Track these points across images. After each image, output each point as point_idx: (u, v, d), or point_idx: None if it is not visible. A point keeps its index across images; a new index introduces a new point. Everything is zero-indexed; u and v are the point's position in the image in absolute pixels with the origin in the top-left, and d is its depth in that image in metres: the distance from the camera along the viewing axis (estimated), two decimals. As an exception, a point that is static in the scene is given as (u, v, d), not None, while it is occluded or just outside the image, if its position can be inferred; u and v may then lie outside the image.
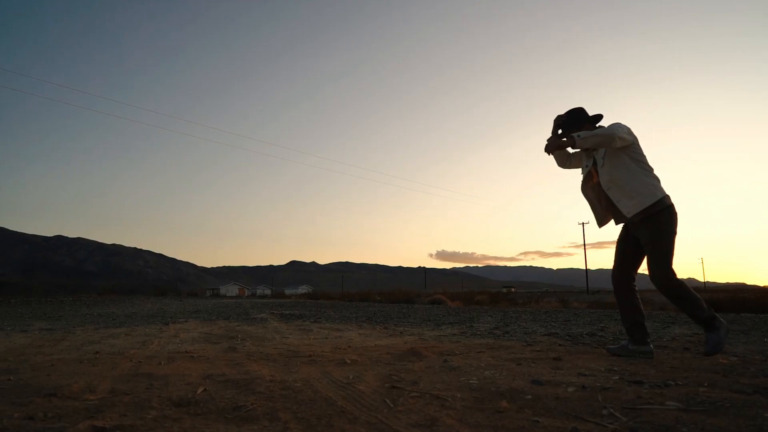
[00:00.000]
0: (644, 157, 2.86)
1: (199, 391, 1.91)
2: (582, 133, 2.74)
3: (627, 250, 2.96)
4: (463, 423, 1.45)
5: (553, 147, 2.93)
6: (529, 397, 1.76)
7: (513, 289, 59.33)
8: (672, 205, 2.82)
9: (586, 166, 3.05)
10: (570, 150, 3.18)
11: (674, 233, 2.80)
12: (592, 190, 3.04)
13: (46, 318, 8.02)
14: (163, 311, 10.70)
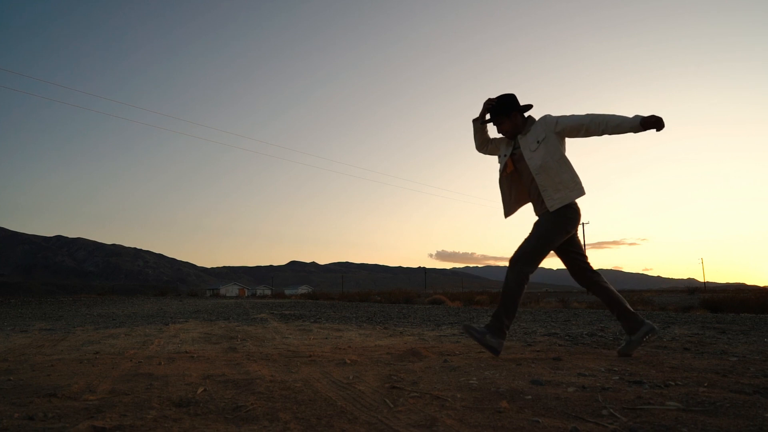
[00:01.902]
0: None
1: (199, 391, 1.91)
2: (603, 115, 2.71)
3: (568, 249, 2.94)
4: (463, 423, 1.45)
5: (494, 100, 2.94)
6: (529, 397, 1.76)
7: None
8: (578, 207, 2.82)
9: (504, 155, 3.02)
10: (490, 135, 3.18)
11: (566, 233, 2.79)
12: (506, 180, 3.03)
13: (46, 318, 8.02)
14: (162, 311, 10.70)
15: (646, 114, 2.63)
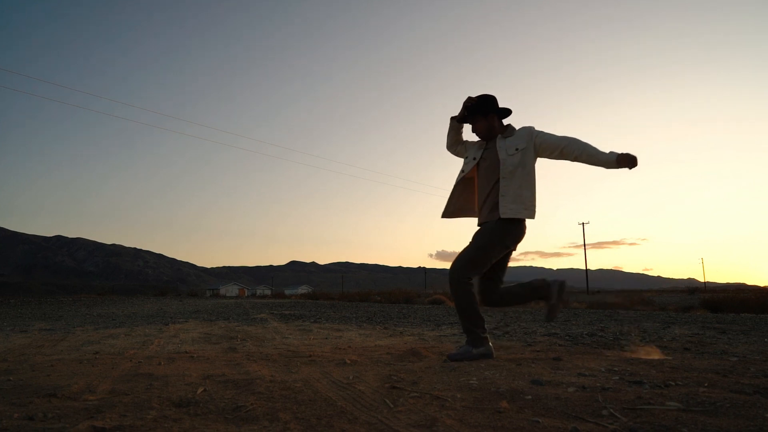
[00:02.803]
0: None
1: (199, 392, 1.90)
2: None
3: (494, 267, 2.91)
4: (463, 423, 1.45)
5: (474, 99, 2.88)
6: (529, 397, 1.76)
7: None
8: (525, 227, 2.82)
9: (473, 159, 2.98)
10: (464, 137, 3.16)
11: (505, 247, 2.78)
12: (461, 183, 3.01)
13: (45, 318, 8.02)
14: (162, 311, 10.70)
15: (621, 151, 2.63)
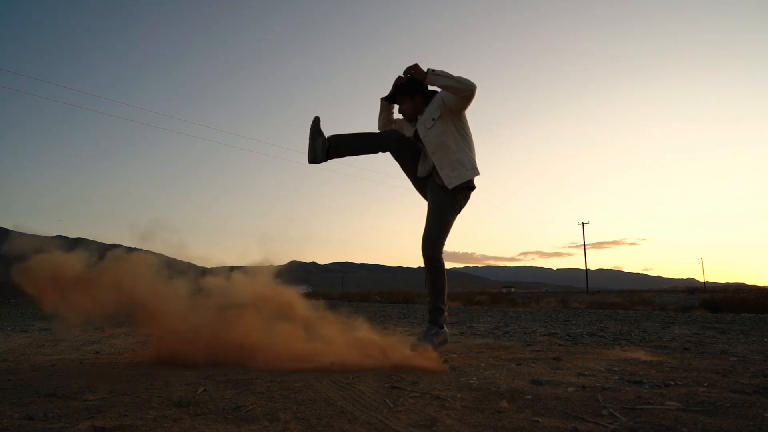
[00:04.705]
0: (469, 129, 2.84)
1: (199, 391, 1.91)
2: (439, 70, 2.63)
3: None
4: (463, 423, 1.45)
5: (405, 77, 2.77)
6: (529, 397, 1.76)
7: (513, 290, 59.33)
8: (472, 182, 2.82)
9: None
10: (394, 116, 3.12)
11: (458, 210, 2.83)
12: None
13: (46, 318, 8.02)
14: (163, 311, 10.69)
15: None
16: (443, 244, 2.79)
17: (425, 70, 2.65)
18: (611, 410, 1.56)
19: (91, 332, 5.01)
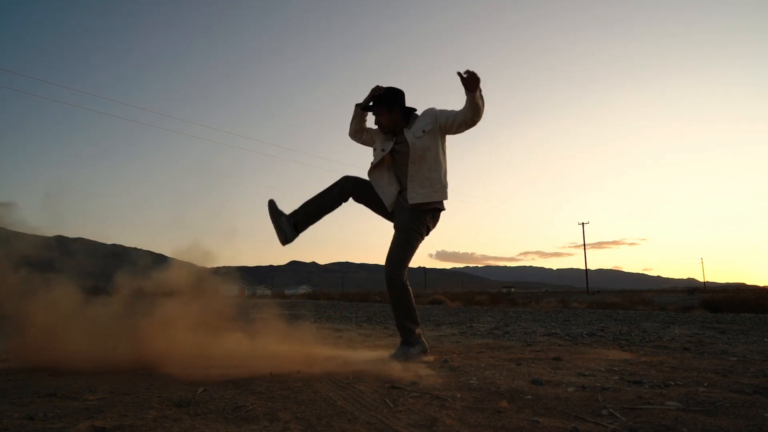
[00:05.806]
0: (446, 152, 2.86)
1: (199, 391, 1.91)
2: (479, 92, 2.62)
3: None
4: (463, 423, 1.45)
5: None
6: (529, 397, 1.76)
7: (513, 290, 59.34)
8: (441, 207, 2.83)
9: (382, 150, 2.92)
10: (366, 124, 3.10)
11: (424, 233, 2.82)
12: (386, 170, 2.91)
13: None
14: (163, 311, 10.69)
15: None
16: (406, 267, 2.79)
17: (478, 89, 2.61)
18: (611, 410, 1.56)
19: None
